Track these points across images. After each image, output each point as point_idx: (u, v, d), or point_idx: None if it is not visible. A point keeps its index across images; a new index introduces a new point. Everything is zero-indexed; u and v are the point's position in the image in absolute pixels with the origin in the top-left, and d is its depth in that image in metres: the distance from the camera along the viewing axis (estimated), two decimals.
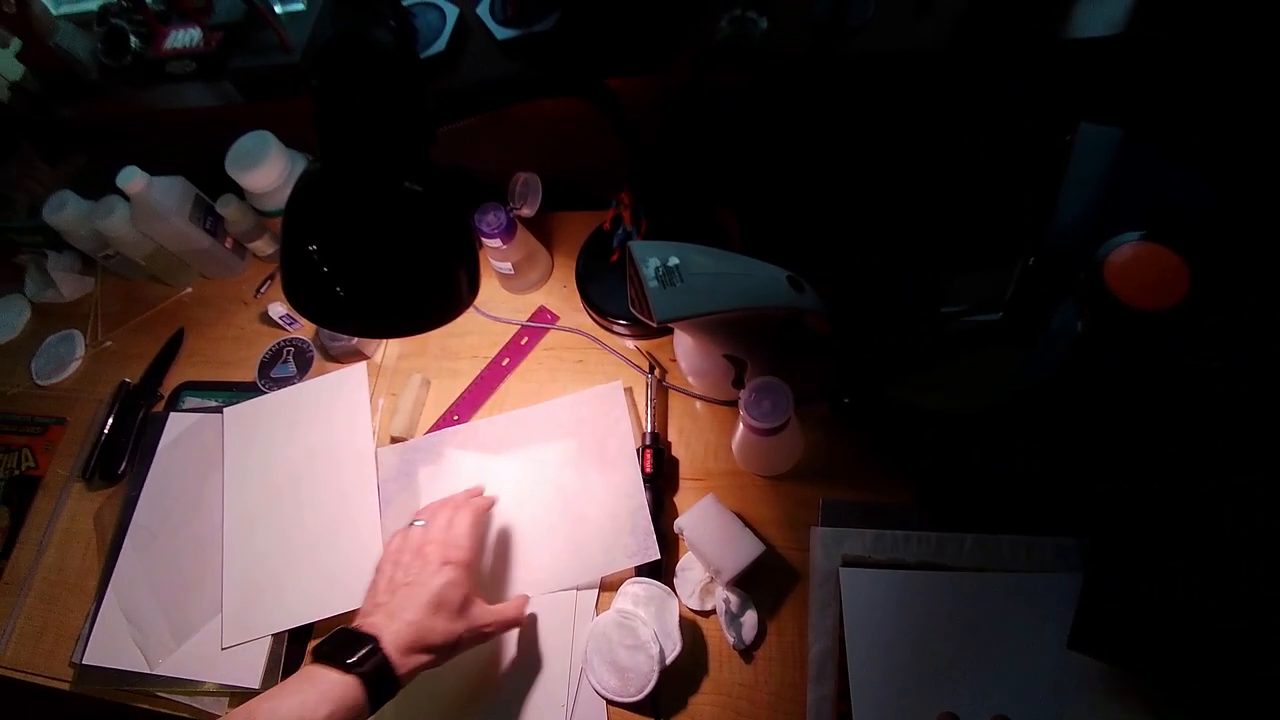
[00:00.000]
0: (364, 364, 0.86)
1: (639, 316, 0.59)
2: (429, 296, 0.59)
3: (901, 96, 0.69)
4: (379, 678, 0.55)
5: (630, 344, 0.81)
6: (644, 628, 0.67)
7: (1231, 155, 0.54)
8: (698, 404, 0.77)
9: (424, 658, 0.58)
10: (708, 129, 0.79)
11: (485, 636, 0.63)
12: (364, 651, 0.55)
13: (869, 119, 0.72)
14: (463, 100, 0.59)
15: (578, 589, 0.71)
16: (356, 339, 0.85)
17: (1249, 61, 0.59)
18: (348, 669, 0.54)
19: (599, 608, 0.71)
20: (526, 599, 0.68)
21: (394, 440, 0.81)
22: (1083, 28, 0.65)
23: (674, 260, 0.59)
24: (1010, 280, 0.55)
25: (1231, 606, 0.51)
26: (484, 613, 0.63)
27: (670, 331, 0.79)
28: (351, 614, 0.67)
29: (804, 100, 0.72)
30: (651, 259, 0.58)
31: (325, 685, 0.53)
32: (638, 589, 0.69)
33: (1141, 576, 0.53)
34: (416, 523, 0.68)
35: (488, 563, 0.74)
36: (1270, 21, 0.56)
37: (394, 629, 0.57)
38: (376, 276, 0.56)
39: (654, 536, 0.70)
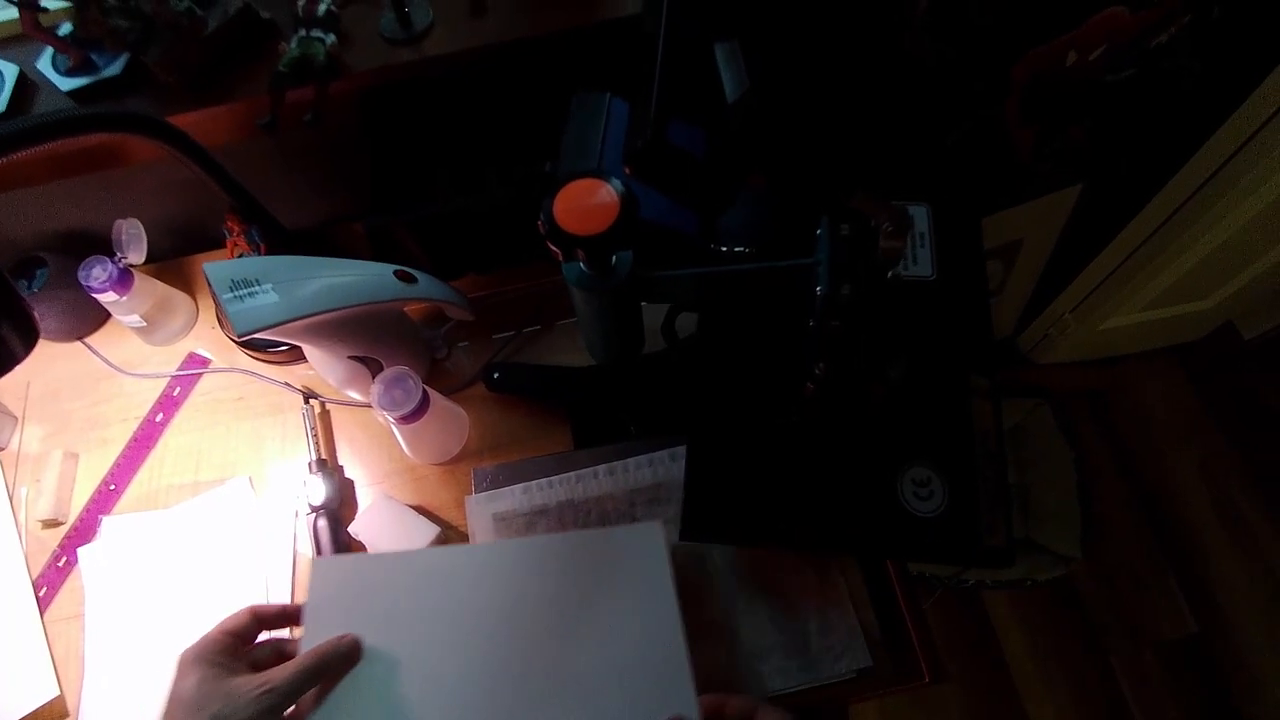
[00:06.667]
0: None
1: (228, 336, 0.60)
2: None
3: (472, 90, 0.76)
4: None
5: (296, 370, 0.80)
6: None
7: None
8: (370, 412, 0.79)
9: None
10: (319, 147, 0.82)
11: None
12: None
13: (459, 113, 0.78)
14: None
15: None
16: None
17: None
18: None
19: None
20: None
21: (45, 525, 0.75)
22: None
23: (255, 274, 0.60)
24: None
25: (798, 469, 0.60)
26: None
27: None
28: None
29: (393, 106, 0.76)
30: (227, 276, 0.59)
31: None
32: None
33: (726, 462, 0.61)
34: None
35: None
36: None
37: None
38: None
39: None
